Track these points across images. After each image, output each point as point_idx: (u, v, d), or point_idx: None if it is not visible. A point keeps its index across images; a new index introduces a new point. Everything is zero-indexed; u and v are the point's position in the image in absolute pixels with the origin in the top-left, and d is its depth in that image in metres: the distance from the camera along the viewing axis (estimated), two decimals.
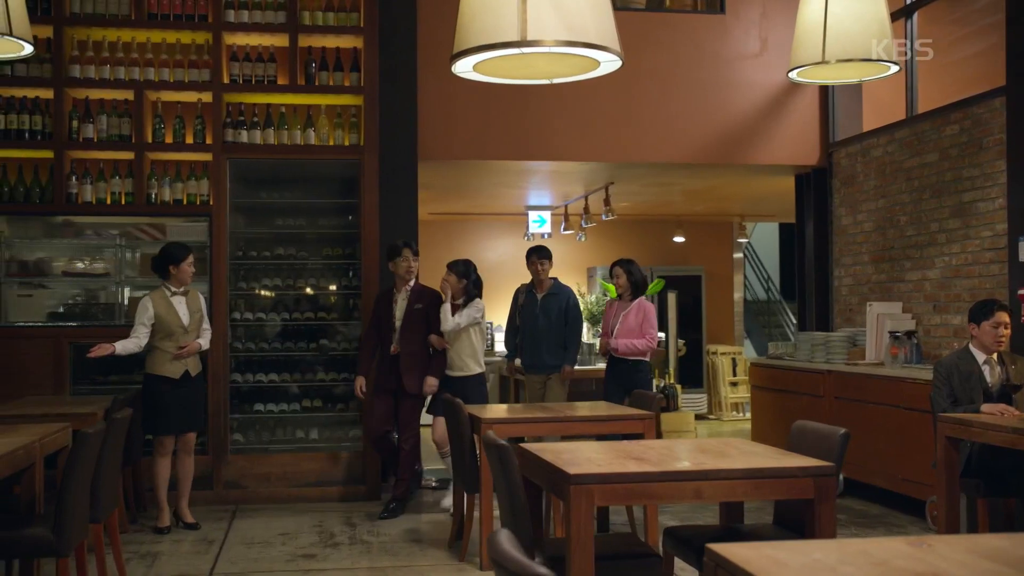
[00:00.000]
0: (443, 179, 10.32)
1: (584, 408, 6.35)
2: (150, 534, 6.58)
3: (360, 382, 7.34)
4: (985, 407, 5.52)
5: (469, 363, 7.22)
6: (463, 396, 6.78)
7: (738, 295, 15.04)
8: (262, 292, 7.95)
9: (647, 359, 7.61)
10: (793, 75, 5.76)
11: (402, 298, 7.26)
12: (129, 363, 7.13)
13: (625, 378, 7.52)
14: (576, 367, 10.03)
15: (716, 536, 4.22)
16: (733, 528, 4.26)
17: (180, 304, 6.71)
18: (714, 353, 13.86)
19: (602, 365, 10.54)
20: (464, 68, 4.68)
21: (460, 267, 7.25)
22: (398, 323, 7.21)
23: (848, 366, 7.75)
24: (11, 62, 7.41)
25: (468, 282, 7.22)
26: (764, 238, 17.92)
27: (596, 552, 3.70)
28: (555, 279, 8.03)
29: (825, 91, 9.06)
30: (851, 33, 5.53)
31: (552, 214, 12.94)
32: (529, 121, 8.78)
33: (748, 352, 15.64)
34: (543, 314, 7.84)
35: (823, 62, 5.49)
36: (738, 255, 15.04)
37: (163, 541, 6.42)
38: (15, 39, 5.31)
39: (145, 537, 6.50)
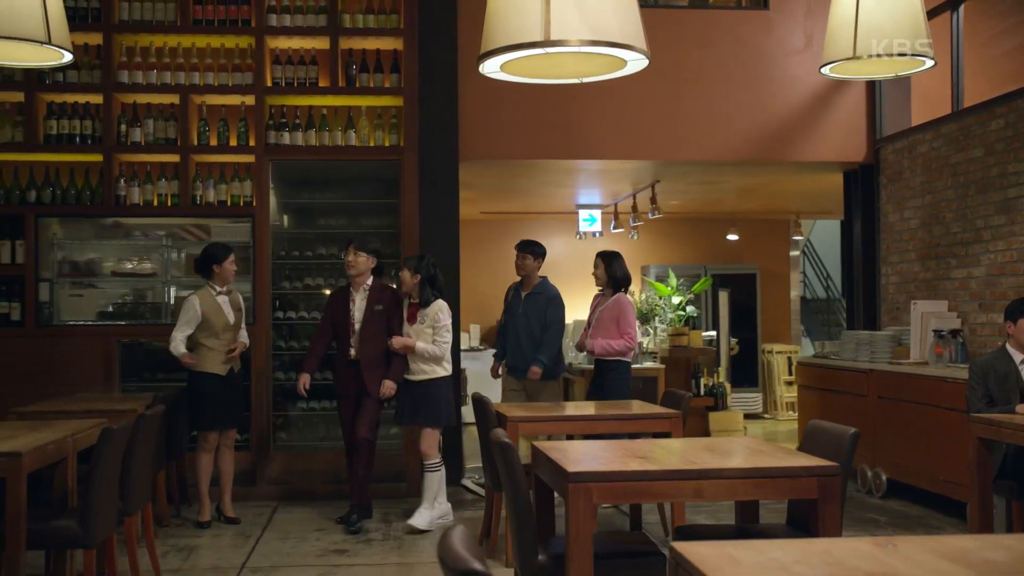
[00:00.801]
0: (487, 179, 10.38)
1: (610, 407, 6.34)
2: (191, 528, 6.73)
3: (304, 379, 6.80)
4: (1020, 407, 5.41)
5: (433, 367, 6.67)
6: (427, 402, 6.60)
7: (795, 293, 14.85)
8: (305, 291, 8.07)
9: (627, 359, 7.24)
10: (825, 71, 5.71)
11: (360, 298, 6.81)
12: (176, 361, 7.26)
13: (600, 377, 7.21)
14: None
15: (726, 535, 4.21)
16: (744, 528, 4.24)
17: (225, 303, 6.87)
18: (769, 352, 13.72)
19: (649, 364, 10.55)
20: (492, 68, 4.73)
21: (413, 262, 6.70)
22: (357, 325, 6.75)
23: (891, 365, 7.63)
24: (59, 69, 7.64)
25: (423, 278, 6.65)
26: (825, 236, 17.66)
27: (601, 550, 3.72)
28: (544, 278, 7.59)
29: (872, 86, 8.92)
30: (884, 28, 5.47)
31: (603, 212, 12.91)
32: (572, 120, 8.78)
33: (807, 351, 15.44)
34: (525, 314, 7.42)
35: (854, 57, 5.46)
36: (795, 253, 14.85)
37: (203, 535, 6.57)
38: (54, 47, 5.47)
39: (186, 531, 6.66)
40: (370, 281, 6.83)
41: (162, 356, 7.70)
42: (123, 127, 7.83)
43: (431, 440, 6.67)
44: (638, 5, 4.57)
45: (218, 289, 6.85)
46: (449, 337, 6.68)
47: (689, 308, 10.61)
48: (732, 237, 14.29)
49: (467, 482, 7.92)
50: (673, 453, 3.96)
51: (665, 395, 6.52)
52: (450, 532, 2.17)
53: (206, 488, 6.82)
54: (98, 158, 7.81)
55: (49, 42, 5.40)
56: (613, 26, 4.46)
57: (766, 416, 13.59)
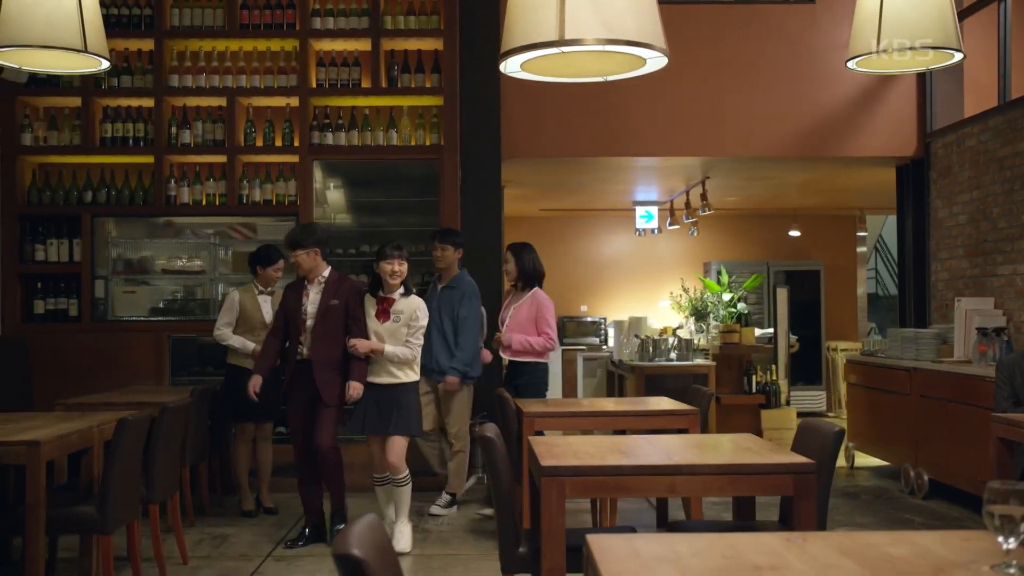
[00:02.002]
0: (539, 176, 10.46)
1: (629, 403, 6.36)
2: (232, 517, 6.94)
3: (255, 381, 6.21)
4: None
5: (405, 370, 5.99)
6: (398, 409, 5.93)
7: (861, 290, 14.60)
8: None
9: (544, 360, 6.76)
10: (852, 65, 5.65)
11: (315, 291, 6.13)
12: (223, 356, 7.48)
13: (515, 379, 6.72)
14: (653, 363, 10.01)
15: (713, 530, 4.22)
16: (735, 523, 4.25)
17: (265, 303, 7.06)
18: (834, 349, 13.52)
19: (700, 361, 10.49)
20: (513, 68, 4.78)
21: (405, 253, 6.01)
22: (310, 321, 6.08)
23: (933, 364, 7.49)
24: (114, 74, 7.99)
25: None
26: None
27: (574, 543, 3.77)
28: (463, 270, 7.10)
29: (922, 79, 8.75)
30: (908, 21, 5.40)
31: (659, 209, 12.87)
32: (616, 116, 8.81)
33: None
34: (438, 309, 6.88)
35: (878, 51, 5.40)
36: (862, 249, 14.59)
37: (240, 524, 6.77)
38: (91, 55, 5.69)
39: (224, 520, 6.87)
40: (326, 273, 6.17)
41: (210, 351, 7.94)
42: (173, 129, 8.11)
43: (402, 451, 6.01)
44: (664, 2, 4.56)
45: (260, 288, 7.06)
46: (423, 340, 6.04)
47: (740, 305, 10.53)
48: (794, 233, 14.12)
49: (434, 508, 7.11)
50: (659, 449, 3.99)
51: (690, 392, 6.51)
52: (357, 520, 2.26)
53: (244, 478, 7.03)
54: (150, 159, 8.10)
55: (85, 50, 5.63)
56: (629, 24, 4.45)
57: (830, 414, 13.40)
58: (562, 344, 13.71)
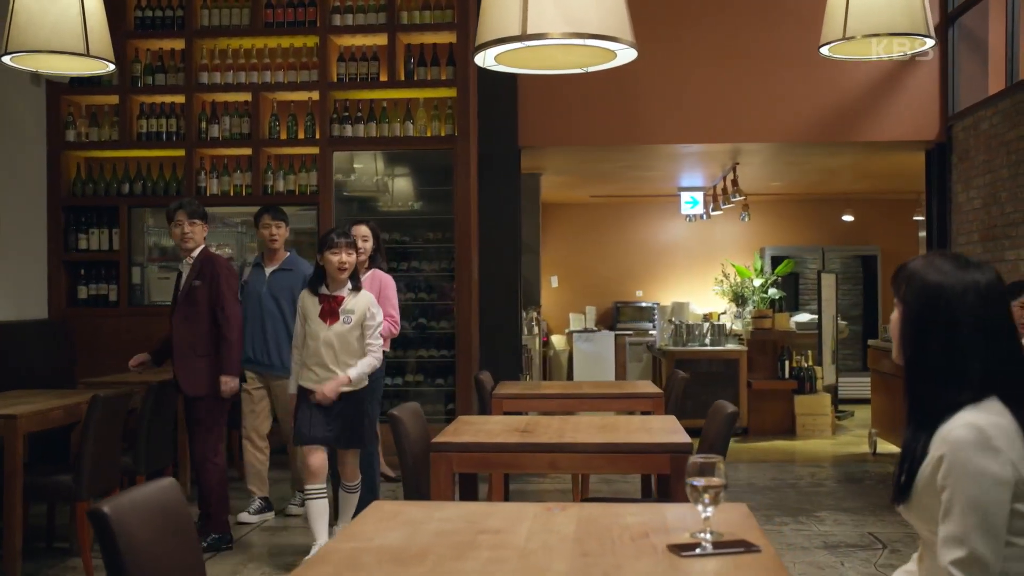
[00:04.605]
0: (573, 164, 10.62)
1: (599, 386, 6.53)
2: (240, 491, 7.29)
3: (139, 357, 6.08)
4: None
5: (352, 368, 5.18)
6: (353, 421, 5.20)
7: None
8: None
9: (384, 348, 5.83)
10: (824, 51, 5.71)
11: (186, 272, 5.83)
12: None
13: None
14: (685, 348, 10.13)
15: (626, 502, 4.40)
16: (644, 500, 4.41)
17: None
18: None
19: (731, 346, 10.53)
20: (489, 62, 4.98)
21: (355, 240, 5.32)
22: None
23: None
24: (149, 72, 8.48)
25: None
26: None
27: None
28: (292, 251, 6.63)
29: (945, 62, 8.63)
30: (876, 9, 5.44)
31: (705, 195, 12.89)
32: (637, 105, 8.91)
33: None
34: (272, 296, 6.41)
35: (845, 38, 5.46)
36: (923, 234, 14.30)
37: (245, 497, 7.13)
38: (94, 58, 6.09)
39: (233, 494, 7.24)
40: (197, 251, 5.80)
41: None
42: (203, 124, 8.56)
43: (356, 462, 5.40)
44: None
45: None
46: (381, 339, 5.28)
47: (772, 291, 10.53)
48: (847, 218, 13.95)
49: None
50: (559, 429, 4.17)
51: (669, 377, 6.63)
52: (149, 483, 2.52)
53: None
54: (181, 153, 8.57)
55: (87, 54, 6.03)
56: (592, 18, 4.59)
57: None
58: (612, 328, 13.88)
